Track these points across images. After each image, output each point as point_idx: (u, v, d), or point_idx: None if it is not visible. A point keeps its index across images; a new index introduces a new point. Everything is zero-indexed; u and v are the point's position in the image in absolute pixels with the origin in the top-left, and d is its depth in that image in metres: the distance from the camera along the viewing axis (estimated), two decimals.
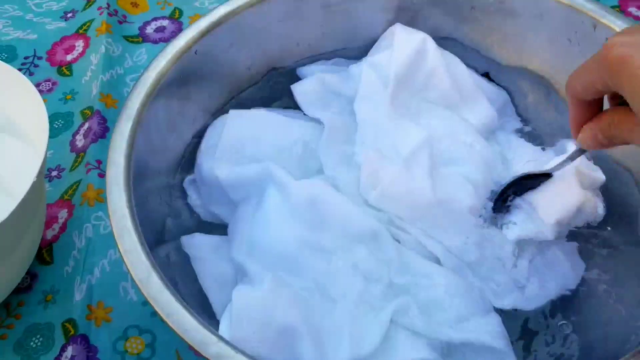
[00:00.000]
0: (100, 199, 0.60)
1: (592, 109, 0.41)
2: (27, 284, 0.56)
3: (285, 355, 0.44)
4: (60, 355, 0.52)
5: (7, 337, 0.53)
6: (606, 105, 0.42)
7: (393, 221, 0.51)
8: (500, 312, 0.49)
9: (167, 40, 0.72)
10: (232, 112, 0.57)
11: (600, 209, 0.53)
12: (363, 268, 0.49)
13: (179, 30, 0.76)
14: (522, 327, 0.49)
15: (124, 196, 0.45)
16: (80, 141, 0.65)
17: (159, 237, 0.52)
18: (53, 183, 0.63)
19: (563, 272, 0.51)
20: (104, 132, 0.65)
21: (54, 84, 0.71)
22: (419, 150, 0.53)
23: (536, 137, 0.59)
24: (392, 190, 0.51)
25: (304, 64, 0.63)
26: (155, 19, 0.78)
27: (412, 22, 0.62)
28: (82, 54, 0.73)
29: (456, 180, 0.53)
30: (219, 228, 0.55)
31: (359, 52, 0.63)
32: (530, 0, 0.58)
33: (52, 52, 0.75)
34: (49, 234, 0.59)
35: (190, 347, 0.39)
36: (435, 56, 0.59)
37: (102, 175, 0.61)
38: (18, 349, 0.52)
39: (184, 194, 0.56)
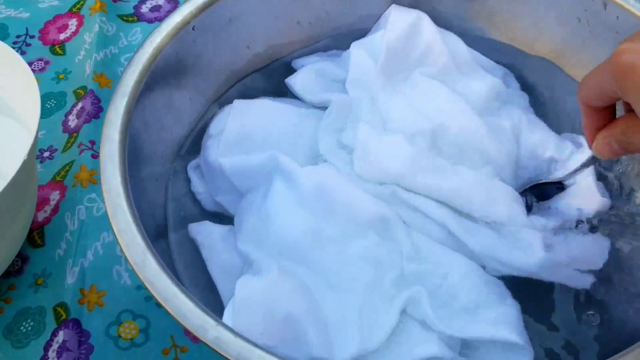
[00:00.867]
0: (94, 181, 0.59)
1: (606, 115, 0.40)
2: (17, 267, 0.55)
3: (290, 347, 0.43)
4: (51, 340, 0.51)
5: None
6: (620, 112, 0.40)
7: (396, 193, 0.50)
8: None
9: (163, 20, 0.71)
10: (236, 102, 0.56)
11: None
12: (373, 255, 0.47)
13: (174, 9, 0.74)
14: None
15: (119, 174, 0.43)
16: (73, 121, 0.64)
17: (158, 225, 0.50)
18: (45, 164, 0.61)
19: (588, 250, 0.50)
20: (97, 112, 0.63)
21: (46, 63, 0.70)
22: (419, 134, 0.52)
23: (542, 116, 0.58)
24: (388, 157, 0.50)
25: (304, 46, 0.62)
26: None
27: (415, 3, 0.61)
28: (75, 32, 0.72)
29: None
30: (222, 218, 0.53)
31: (360, 34, 0.61)
32: None
33: (45, 30, 0.73)
34: (41, 216, 0.58)
35: (187, 332, 0.38)
36: (431, 31, 0.58)
37: (95, 156, 0.60)
38: (8, 334, 0.51)
39: (185, 181, 0.55)
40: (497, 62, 0.61)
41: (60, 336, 0.50)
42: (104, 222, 0.56)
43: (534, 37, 0.60)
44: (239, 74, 0.60)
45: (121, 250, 0.41)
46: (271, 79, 0.61)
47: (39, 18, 0.74)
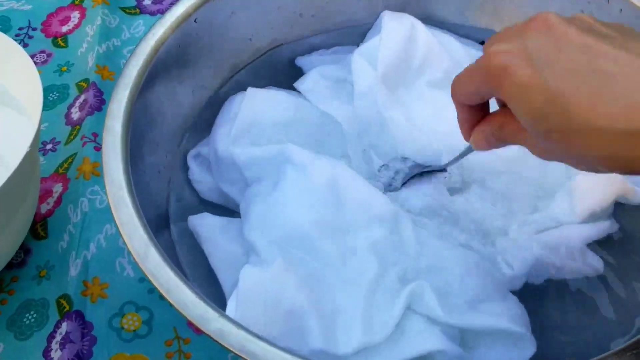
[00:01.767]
0: (97, 173, 0.59)
1: (480, 111, 0.41)
2: (20, 259, 0.55)
3: (294, 338, 0.43)
4: (54, 331, 0.51)
5: (0, 313, 0.52)
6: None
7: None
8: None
9: (165, 12, 0.70)
10: (250, 90, 0.56)
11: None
12: (380, 250, 0.47)
13: (177, 1, 0.74)
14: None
15: (121, 166, 0.44)
16: (75, 114, 0.63)
17: (161, 216, 0.50)
18: (48, 156, 0.61)
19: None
20: (100, 104, 0.63)
21: (48, 55, 0.70)
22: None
23: None
24: None
25: (307, 37, 0.62)
26: None
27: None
28: (77, 25, 0.72)
29: None
30: (220, 208, 0.53)
31: (363, 29, 0.62)
32: None
33: (47, 23, 0.73)
34: (44, 209, 0.58)
35: (190, 324, 0.38)
36: (427, 38, 0.58)
37: (98, 148, 0.60)
38: (11, 326, 0.51)
39: (186, 172, 0.55)
40: None
41: (64, 328, 0.50)
42: (106, 214, 0.56)
43: None
44: (241, 66, 0.60)
45: (124, 242, 0.41)
46: (274, 70, 0.61)
47: (42, 10, 0.74)
